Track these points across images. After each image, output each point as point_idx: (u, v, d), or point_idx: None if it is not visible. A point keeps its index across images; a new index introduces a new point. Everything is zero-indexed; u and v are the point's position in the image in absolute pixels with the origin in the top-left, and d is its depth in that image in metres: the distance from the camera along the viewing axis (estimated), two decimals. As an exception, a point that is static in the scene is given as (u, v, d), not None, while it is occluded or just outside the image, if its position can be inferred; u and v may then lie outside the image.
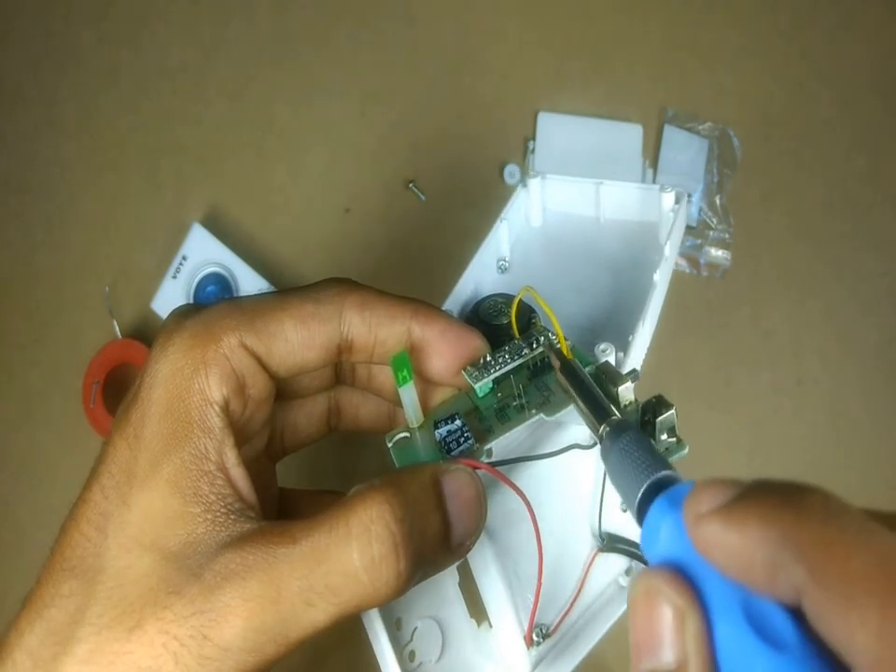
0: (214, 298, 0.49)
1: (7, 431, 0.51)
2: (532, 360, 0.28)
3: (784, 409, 0.50)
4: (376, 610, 0.26)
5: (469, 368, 0.28)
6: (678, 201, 0.34)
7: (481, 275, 0.35)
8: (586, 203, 0.37)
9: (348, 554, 0.22)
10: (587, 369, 0.27)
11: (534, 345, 0.28)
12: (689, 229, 0.52)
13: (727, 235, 0.52)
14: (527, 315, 0.30)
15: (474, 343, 0.28)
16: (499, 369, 0.27)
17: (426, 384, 0.29)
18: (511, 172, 0.53)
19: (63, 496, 0.51)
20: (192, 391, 0.24)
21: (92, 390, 0.47)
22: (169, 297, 0.50)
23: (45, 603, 0.23)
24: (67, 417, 0.50)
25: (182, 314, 0.27)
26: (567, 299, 0.30)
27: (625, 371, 0.29)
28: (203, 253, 0.49)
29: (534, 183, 0.37)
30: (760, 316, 0.51)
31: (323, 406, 0.31)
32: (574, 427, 0.29)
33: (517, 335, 0.29)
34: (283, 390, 0.29)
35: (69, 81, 0.55)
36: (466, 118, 0.54)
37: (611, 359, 0.28)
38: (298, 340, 0.26)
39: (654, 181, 0.53)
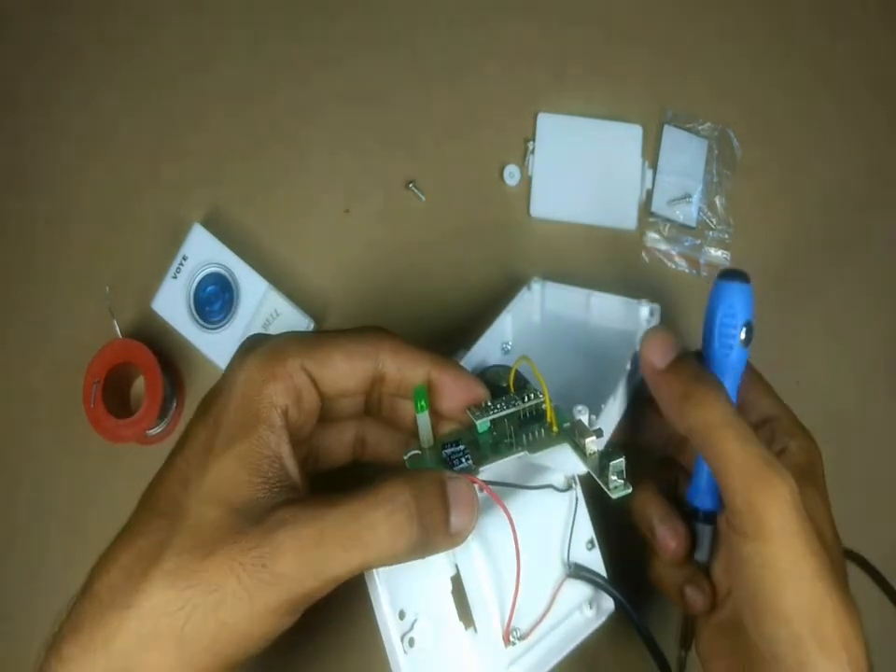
0: (214, 297, 0.49)
1: (7, 431, 0.51)
2: (523, 411, 0.35)
3: (783, 409, 0.50)
4: (387, 597, 0.32)
5: (472, 408, 0.35)
6: (652, 314, 0.43)
7: (486, 353, 0.43)
8: (577, 307, 0.46)
9: (376, 517, 0.29)
10: (565, 426, 0.34)
11: (525, 399, 0.35)
12: (688, 229, 0.53)
13: (726, 235, 0.53)
14: (522, 383, 0.37)
15: (479, 390, 0.35)
16: (497, 412, 0.34)
17: (437, 417, 0.35)
18: (511, 172, 0.53)
19: (63, 496, 0.51)
20: (263, 395, 0.31)
21: (93, 390, 0.47)
22: (169, 297, 0.50)
23: (136, 533, 0.30)
24: (67, 417, 0.50)
25: (256, 340, 0.34)
26: (556, 376, 0.36)
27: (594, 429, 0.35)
28: (203, 253, 0.49)
29: (536, 287, 0.46)
30: (758, 317, 0.51)
31: (352, 434, 0.38)
32: (553, 472, 0.37)
33: (513, 390, 0.36)
34: (324, 412, 0.35)
35: (69, 81, 0.55)
36: (466, 118, 0.54)
37: (585, 418, 0.35)
38: (344, 369, 0.33)
39: (654, 182, 0.53)
